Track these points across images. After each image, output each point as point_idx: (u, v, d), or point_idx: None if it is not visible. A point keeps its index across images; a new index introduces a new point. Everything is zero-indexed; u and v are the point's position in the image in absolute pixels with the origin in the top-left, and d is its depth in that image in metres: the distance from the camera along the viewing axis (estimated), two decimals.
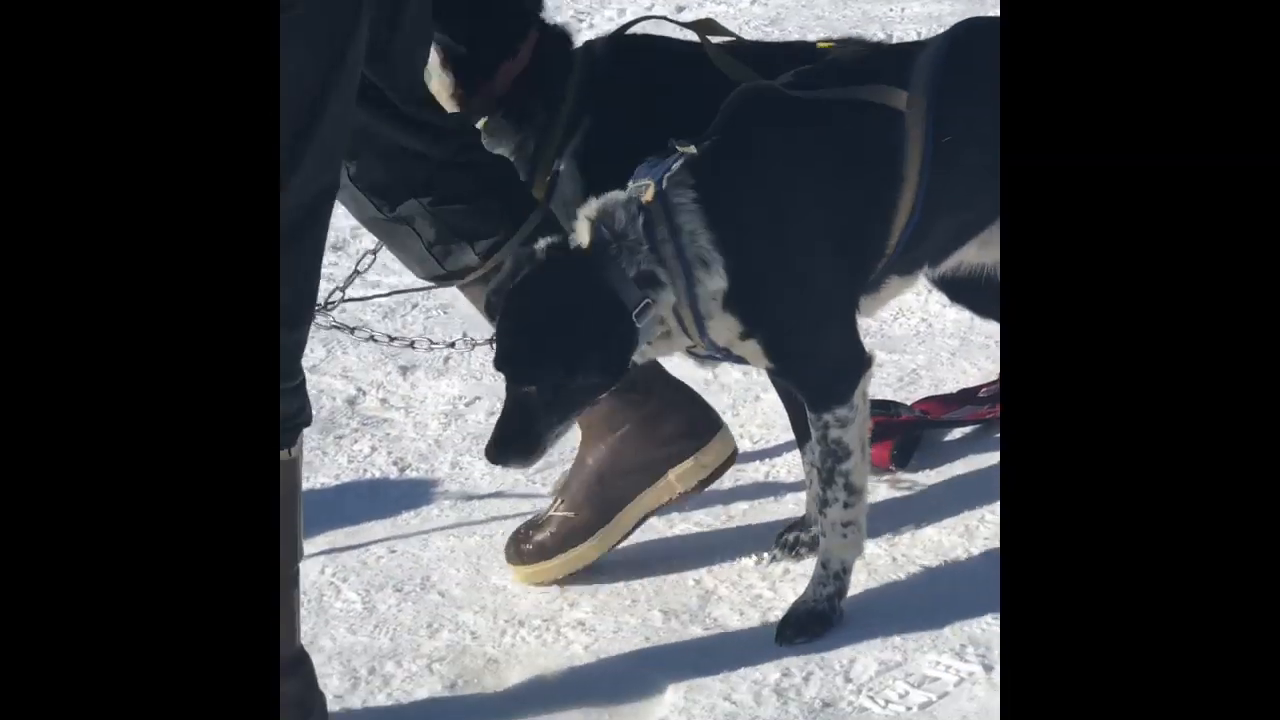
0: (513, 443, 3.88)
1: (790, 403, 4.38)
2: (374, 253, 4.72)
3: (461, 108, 4.42)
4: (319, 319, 4.42)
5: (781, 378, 4.26)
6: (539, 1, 4.56)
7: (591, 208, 3.91)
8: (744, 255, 3.88)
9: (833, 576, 4.09)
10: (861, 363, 4.02)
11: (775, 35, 8.40)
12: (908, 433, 4.74)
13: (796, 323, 3.99)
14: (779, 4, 8.68)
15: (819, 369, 4.01)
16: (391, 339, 5.00)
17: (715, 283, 3.87)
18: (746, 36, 7.24)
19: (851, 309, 4.06)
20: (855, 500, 4.05)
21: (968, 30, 4.15)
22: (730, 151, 3.94)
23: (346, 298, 4.75)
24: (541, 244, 3.93)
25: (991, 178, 3.76)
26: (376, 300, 5.86)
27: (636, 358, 3.91)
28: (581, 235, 3.89)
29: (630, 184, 3.92)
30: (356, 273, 4.74)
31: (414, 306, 5.96)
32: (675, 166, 3.88)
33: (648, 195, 3.85)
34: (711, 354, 4.04)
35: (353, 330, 4.87)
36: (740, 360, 4.08)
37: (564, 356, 3.81)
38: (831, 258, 3.97)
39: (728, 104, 4.01)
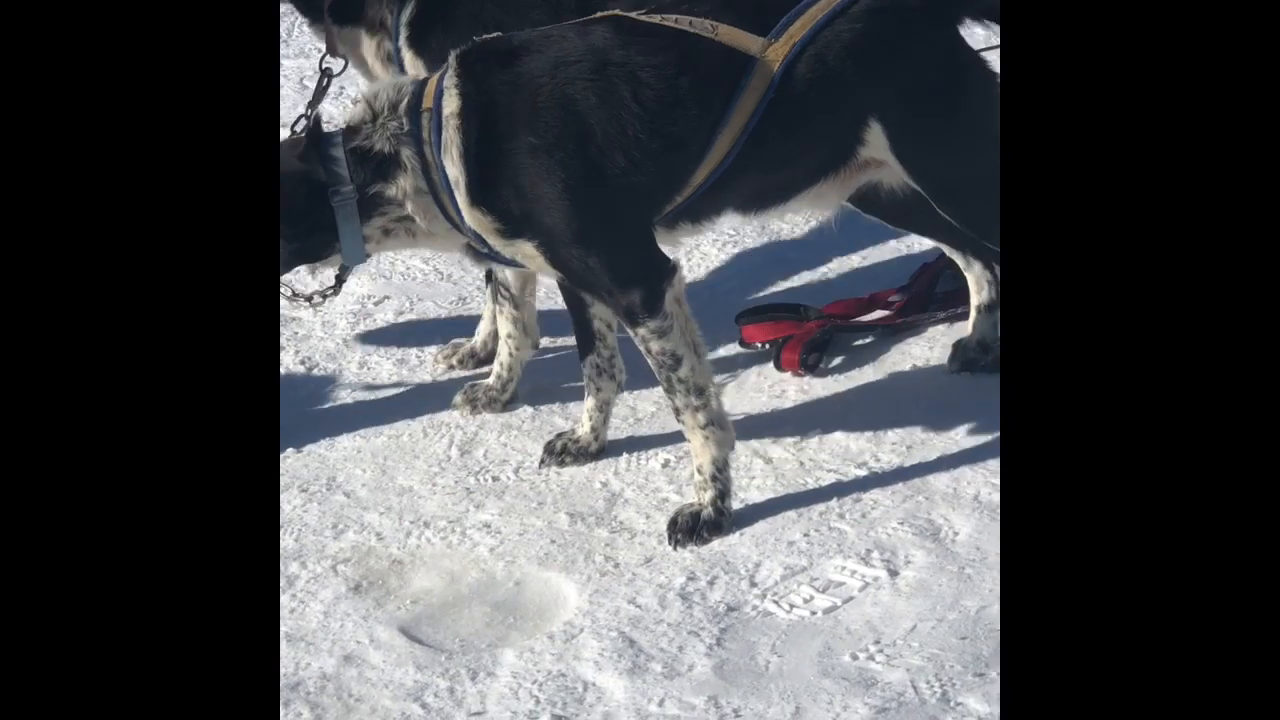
0: None
1: (572, 310, 4.38)
2: None
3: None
4: None
5: (581, 292, 4.25)
6: None
7: (370, 88, 4.04)
8: (492, 155, 3.91)
9: (710, 480, 4.08)
10: (662, 273, 4.00)
11: None
12: (817, 337, 4.72)
13: (565, 233, 3.96)
14: None
15: (613, 284, 3.99)
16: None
17: (452, 171, 3.92)
18: None
19: (642, 228, 4.03)
20: (705, 400, 4.04)
21: None
22: (528, 59, 3.96)
23: None
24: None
25: (823, 144, 3.86)
26: None
27: (370, 245, 4.04)
28: (351, 113, 4.01)
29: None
30: None
31: None
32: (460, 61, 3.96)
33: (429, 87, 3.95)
34: (485, 252, 4.06)
35: None
36: (515, 264, 4.11)
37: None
38: (613, 177, 3.94)
39: (575, 22, 4.04)
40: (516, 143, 3.91)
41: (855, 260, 5.27)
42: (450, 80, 3.94)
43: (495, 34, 4.06)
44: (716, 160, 4.00)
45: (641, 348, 4.03)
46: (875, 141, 4.10)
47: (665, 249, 4.08)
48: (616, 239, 3.97)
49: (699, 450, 4.07)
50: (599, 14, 4.07)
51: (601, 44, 3.97)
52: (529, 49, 3.98)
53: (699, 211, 4.12)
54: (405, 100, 3.96)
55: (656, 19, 4.03)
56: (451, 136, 3.91)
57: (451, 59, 3.97)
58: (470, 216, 3.95)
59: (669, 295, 3.98)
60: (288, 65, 7.00)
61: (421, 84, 4.00)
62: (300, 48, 7.00)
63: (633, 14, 4.04)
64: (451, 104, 3.92)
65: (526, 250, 3.98)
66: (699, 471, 4.09)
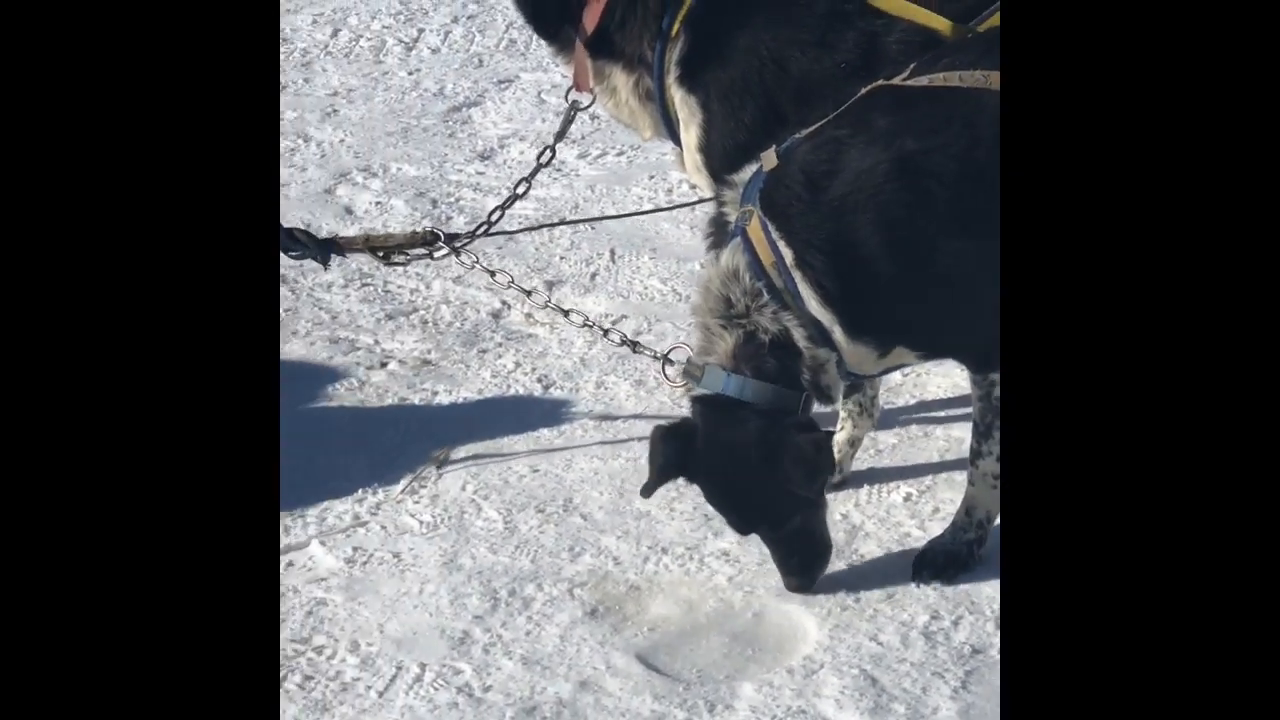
0: (799, 570, 4.00)
1: None
2: (527, 181, 4.75)
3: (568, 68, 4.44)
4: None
5: (937, 358, 4.20)
6: None
7: (703, 286, 3.90)
8: (845, 287, 3.80)
9: (975, 524, 4.02)
10: None
11: None
12: None
13: (932, 331, 3.91)
14: None
15: (976, 342, 3.91)
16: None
17: (824, 317, 3.82)
18: None
19: (988, 293, 3.93)
20: None
21: None
22: (830, 182, 3.81)
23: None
24: (696, 390, 3.91)
25: None
26: (523, 211, 5.82)
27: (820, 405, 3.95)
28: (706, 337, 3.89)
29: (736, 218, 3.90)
30: (516, 196, 4.76)
31: (561, 219, 5.88)
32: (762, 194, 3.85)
33: (762, 249, 3.83)
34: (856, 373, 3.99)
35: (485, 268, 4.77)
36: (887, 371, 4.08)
37: (768, 514, 3.94)
38: (951, 265, 3.83)
39: (847, 109, 3.88)
40: (860, 269, 3.80)
41: None
42: (773, 230, 3.81)
43: (774, 157, 3.88)
44: None
45: (980, 390, 3.97)
46: None
47: None
48: (973, 313, 3.86)
49: (980, 495, 4.01)
50: (868, 88, 3.91)
51: (889, 136, 3.83)
52: (822, 170, 3.82)
53: None
54: (745, 275, 3.83)
55: (924, 82, 3.89)
56: (806, 287, 3.81)
57: (754, 207, 3.84)
58: (850, 353, 3.88)
59: None
60: (525, 78, 7.01)
61: (740, 249, 3.85)
62: (539, 60, 7.01)
63: (897, 81, 3.91)
64: (789, 253, 3.81)
65: (901, 356, 3.96)
66: (968, 514, 4.02)
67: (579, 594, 4.07)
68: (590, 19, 4.34)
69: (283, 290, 5.42)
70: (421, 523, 4.37)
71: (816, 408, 3.96)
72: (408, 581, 4.14)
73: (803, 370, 3.86)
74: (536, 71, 6.98)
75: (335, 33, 7.55)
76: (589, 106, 4.53)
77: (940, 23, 4.12)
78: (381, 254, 4.68)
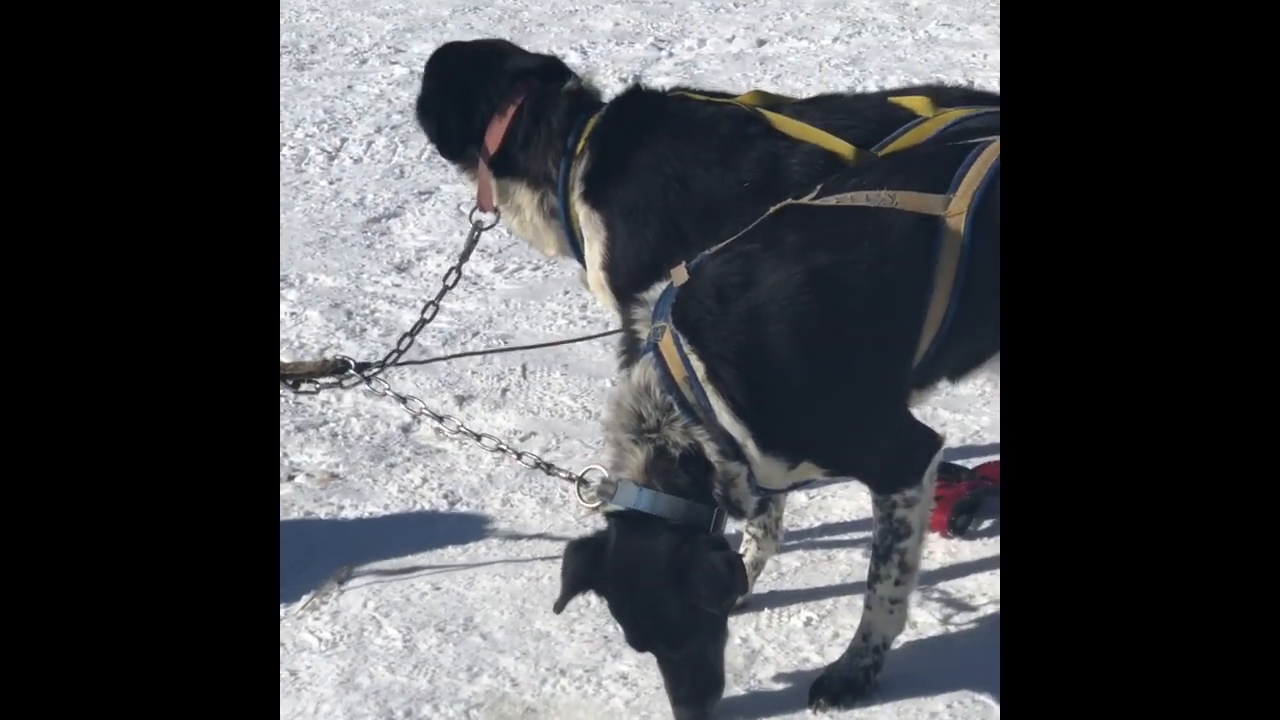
0: (689, 700, 3.91)
1: None
2: (434, 304, 4.79)
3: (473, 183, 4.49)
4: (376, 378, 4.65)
5: (843, 475, 4.19)
6: (551, 66, 4.50)
7: (615, 401, 3.88)
8: (756, 402, 3.79)
9: (872, 650, 4.01)
10: (931, 445, 3.94)
11: (856, 75, 8.33)
12: (967, 498, 4.64)
13: (843, 443, 3.91)
14: (861, 44, 8.62)
15: (883, 461, 3.93)
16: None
17: (737, 431, 3.79)
18: (828, 75, 7.18)
19: (901, 411, 3.96)
20: (907, 579, 3.97)
21: None
22: (741, 296, 3.81)
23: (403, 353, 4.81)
24: (609, 506, 3.87)
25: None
26: (437, 326, 5.84)
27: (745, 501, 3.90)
28: (614, 455, 3.88)
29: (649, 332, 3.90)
30: (424, 321, 4.80)
31: (474, 335, 5.89)
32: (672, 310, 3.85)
33: (674, 364, 3.82)
34: (763, 487, 3.98)
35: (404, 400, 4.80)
36: (795, 487, 4.06)
37: (670, 631, 3.85)
38: (865, 378, 3.85)
39: (757, 226, 3.91)
40: (771, 381, 3.80)
41: None
42: (685, 343, 3.81)
43: (685, 273, 3.89)
44: (934, 328, 3.91)
45: (881, 511, 3.96)
46: None
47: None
48: (885, 429, 3.90)
49: (877, 621, 4.00)
50: (777, 206, 3.93)
51: (800, 251, 3.85)
52: (734, 283, 3.83)
53: (922, 379, 4.04)
54: (657, 389, 3.83)
55: (833, 201, 3.94)
56: (717, 399, 3.80)
57: (666, 322, 3.84)
58: (761, 466, 3.86)
59: (929, 470, 3.93)
60: (446, 190, 7.05)
61: (652, 364, 3.85)
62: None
63: (805, 200, 3.94)
64: (700, 367, 3.80)
65: (808, 471, 3.94)
66: (864, 639, 4.01)
67: (475, 715, 4.05)
68: (494, 139, 4.38)
69: None
70: (320, 640, 4.35)
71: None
72: (303, 700, 4.11)
73: (714, 485, 3.85)
74: (457, 184, 7.01)
75: None
76: (492, 226, 4.56)
77: (843, 147, 4.17)
78: (291, 381, 4.69)
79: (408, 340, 4.77)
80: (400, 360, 4.77)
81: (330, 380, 4.70)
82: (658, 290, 3.96)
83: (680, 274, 3.89)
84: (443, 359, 5.64)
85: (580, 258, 4.41)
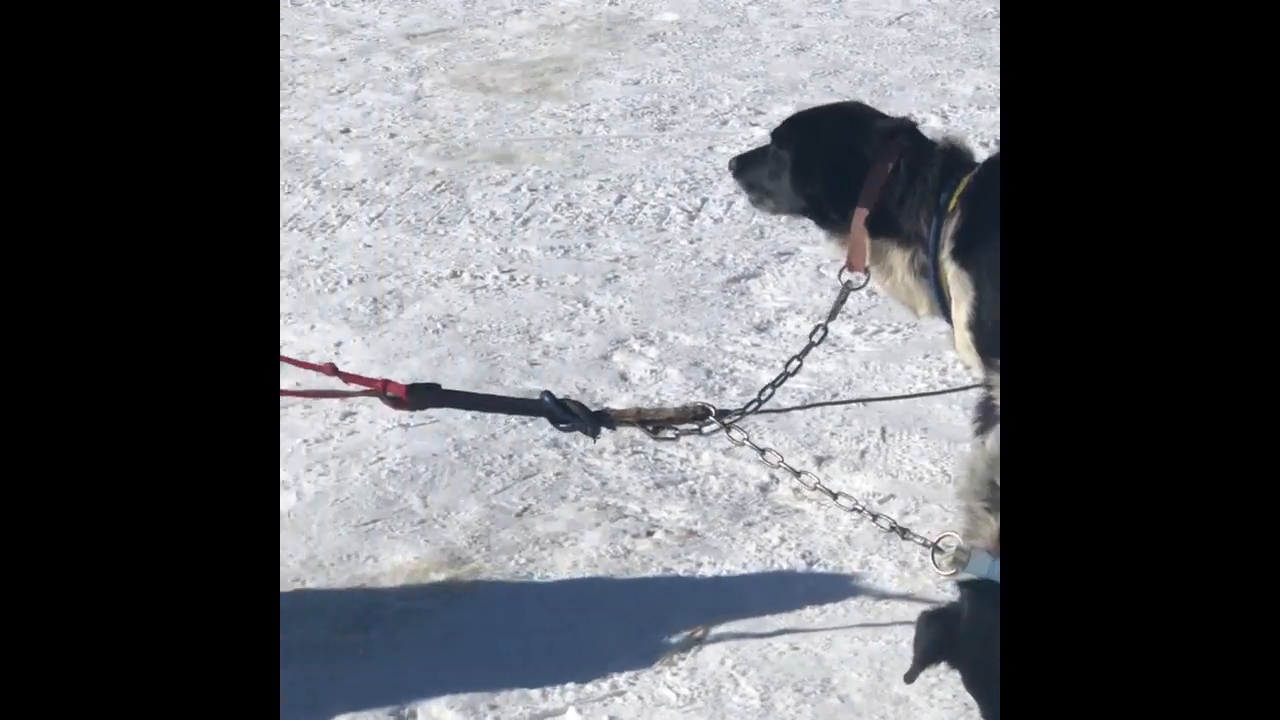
0: None
1: None
2: (799, 358, 4.79)
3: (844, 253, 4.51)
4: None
5: None
6: (912, 128, 4.53)
7: (978, 454, 3.89)
8: None
9: None
10: None
11: None
12: None
13: None
14: None
15: None
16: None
17: None
18: None
19: None
20: None
21: None
22: None
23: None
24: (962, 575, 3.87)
25: None
26: (796, 385, 5.83)
27: None
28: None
29: None
30: (787, 374, 4.81)
31: (833, 396, 5.88)
32: None
33: None
34: None
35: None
36: None
37: None
38: None
39: None
40: None
41: None
42: None
43: None
44: None
45: None
46: None
47: None
48: None
49: None
50: None
51: None
52: None
53: None
54: None
55: None
56: None
57: None
58: None
59: None
60: (806, 251, 7.04)
61: None
62: (819, 234, 7.03)
63: None
64: None
65: None
66: None
67: None
68: (870, 197, 4.37)
69: (554, 455, 5.49)
70: (678, 695, 4.36)
71: None
72: None
73: None
74: (816, 245, 6.99)
75: (620, 199, 7.68)
76: (862, 286, 4.55)
77: None
78: (651, 427, 4.71)
79: (769, 390, 4.77)
80: (760, 409, 4.76)
81: (690, 427, 4.70)
82: None
83: None
84: (800, 408, 5.63)
85: (948, 317, 4.37)
